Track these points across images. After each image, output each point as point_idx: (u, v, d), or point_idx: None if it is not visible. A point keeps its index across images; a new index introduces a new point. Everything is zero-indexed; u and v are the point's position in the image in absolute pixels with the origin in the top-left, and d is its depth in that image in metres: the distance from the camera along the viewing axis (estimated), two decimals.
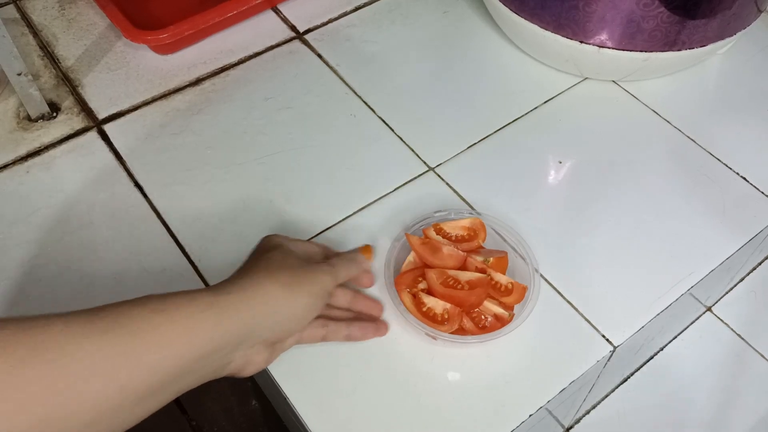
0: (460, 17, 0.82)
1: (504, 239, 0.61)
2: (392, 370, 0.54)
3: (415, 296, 0.55)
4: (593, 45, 0.69)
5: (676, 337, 0.80)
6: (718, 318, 0.82)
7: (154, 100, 0.72)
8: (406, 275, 0.57)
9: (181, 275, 0.59)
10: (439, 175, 0.67)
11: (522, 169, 0.68)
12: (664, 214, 0.65)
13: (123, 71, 0.75)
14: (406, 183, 0.66)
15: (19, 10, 0.81)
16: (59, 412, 0.35)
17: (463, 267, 0.57)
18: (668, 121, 0.73)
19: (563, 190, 0.67)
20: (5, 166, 0.67)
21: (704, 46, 0.69)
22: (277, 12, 0.82)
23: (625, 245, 0.63)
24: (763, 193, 0.68)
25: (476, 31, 0.81)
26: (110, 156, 0.68)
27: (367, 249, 0.59)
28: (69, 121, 0.70)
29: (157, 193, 0.65)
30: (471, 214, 0.61)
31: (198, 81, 0.74)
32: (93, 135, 0.69)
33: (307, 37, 0.79)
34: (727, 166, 0.69)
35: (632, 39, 0.67)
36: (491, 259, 0.57)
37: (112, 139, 0.69)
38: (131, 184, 0.65)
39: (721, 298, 0.83)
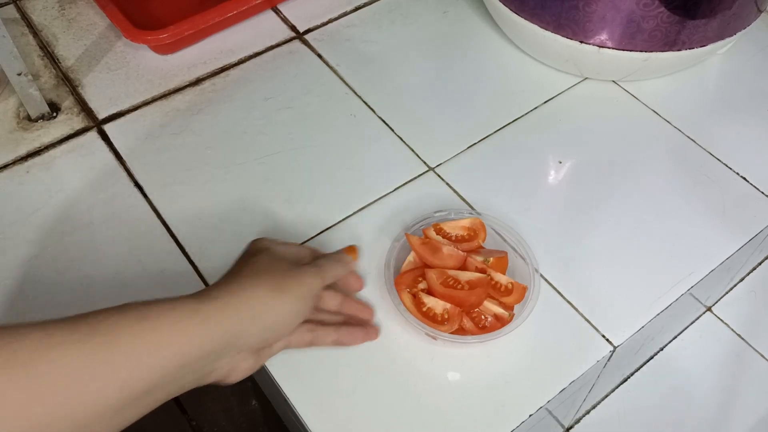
0: (460, 17, 0.82)
1: (504, 239, 0.61)
2: (392, 370, 0.54)
3: (415, 296, 0.55)
4: (593, 45, 0.69)
5: (676, 337, 0.80)
6: (718, 318, 0.82)
7: (154, 100, 0.72)
8: (406, 275, 0.57)
9: (181, 275, 0.59)
10: (439, 175, 0.67)
11: (522, 169, 0.68)
12: (664, 214, 0.65)
13: (123, 71, 0.75)
14: (406, 183, 0.66)
15: (19, 10, 0.81)
16: (34, 424, 0.35)
17: (463, 267, 0.57)
18: (668, 121, 0.73)
19: (563, 190, 0.67)
20: (5, 166, 0.67)
21: (704, 46, 0.69)
22: (277, 12, 0.82)
23: (625, 245, 0.63)
24: (763, 193, 0.68)
25: (476, 31, 0.81)
26: (110, 156, 0.68)
27: (351, 249, 0.57)
28: (69, 121, 0.70)
29: (157, 193, 0.65)
30: (471, 214, 0.61)
31: (198, 81, 0.74)
32: (93, 135, 0.69)
33: (307, 37, 0.79)
34: (727, 166, 0.69)
35: (632, 39, 0.67)
36: (491, 259, 0.57)
37: (112, 139, 0.69)
38: (131, 184, 0.65)
39: (721, 298, 0.83)
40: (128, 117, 0.71)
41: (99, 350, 0.38)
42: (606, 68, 0.72)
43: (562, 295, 0.59)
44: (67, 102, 0.72)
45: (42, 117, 0.70)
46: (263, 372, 0.54)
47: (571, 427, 0.74)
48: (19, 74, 0.65)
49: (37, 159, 0.67)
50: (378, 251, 0.60)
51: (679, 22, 0.66)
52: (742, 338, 0.81)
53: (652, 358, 0.78)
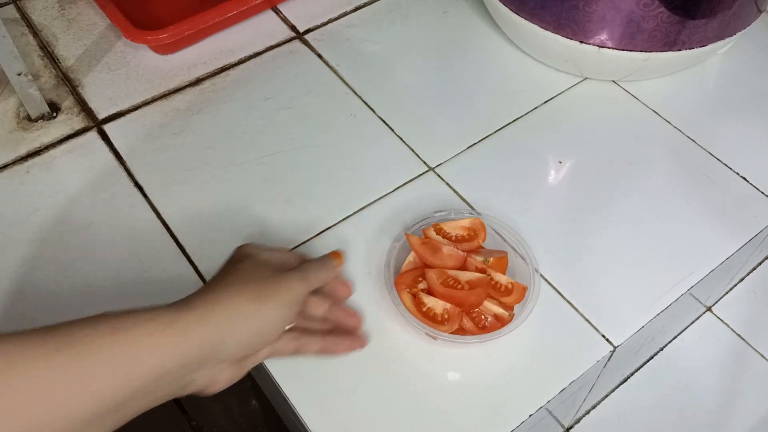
0: (460, 17, 0.82)
1: (504, 239, 0.61)
2: (392, 370, 0.54)
3: (415, 296, 0.55)
4: (593, 45, 0.69)
5: (676, 337, 0.80)
6: (718, 318, 0.82)
7: (154, 100, 0.72)
8: (406, 275, 0.57)
9: (181, 275, 0.59)
10: (439, 175, 0.67)
11: (522, 169, 0.68)
12: (664, 214, 0.65)
13: (123, 71, 0.75)
14: (406, 183, 0.66)
15: (19, 10, 0.81)
16: None
17: (463, 267, 0.57)
18: (668, 121, 0.73)
19: (563, 190, 0.67)
20: (5, 166, 0.67)
21: (704, 46, 0.69)
22: (277, 12, 0.82)
23: (625, 245, 0.63)
24: (763, 193, 0.68)
25: (476, 31, 0.81)
26: (110, 156, 0.68)
27: (336, 254, 0.56)
28: (69, 121, 0.70)
29: (157, 193, 0.65)
30: (471, 214, 0.61)
31: (198, 81, 0.74)
32: (93, 135, 0.69)
33: (307, 37, 0.79)
34: (727, 166, 0.69)
35: (632, 39, 0.67)
36: (491, 259, 0.57)
37: (112, 139, 0.69)
38: (131, 184, 0.65)
39: (721, 298, 0.83)
40: (128, 117, 0.71)
41: (69, 363, 0.37)
42: (606, 68, 0.72)
43: (562, 295, 0.59)
44: (67, 102, 0.72)
45: (42, 117, 0.70)
46: (263, 372, 0.54)
47: (571, 427, 0.74)
48: (19, 74, 0.65)
49: (37, 159, 0.67)
50: (378, 251, 0.60)
51: (679, 22, 0.66)
52: (742, 338, 0.81)
53: (652, 358, 0.78)
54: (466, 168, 0.68)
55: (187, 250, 0.61)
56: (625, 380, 0.77)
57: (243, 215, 0.63)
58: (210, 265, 0.60)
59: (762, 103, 0.75)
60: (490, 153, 0.69)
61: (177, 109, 0.72)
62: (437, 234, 0.59)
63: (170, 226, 0.62)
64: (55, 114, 0.71)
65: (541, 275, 0.60)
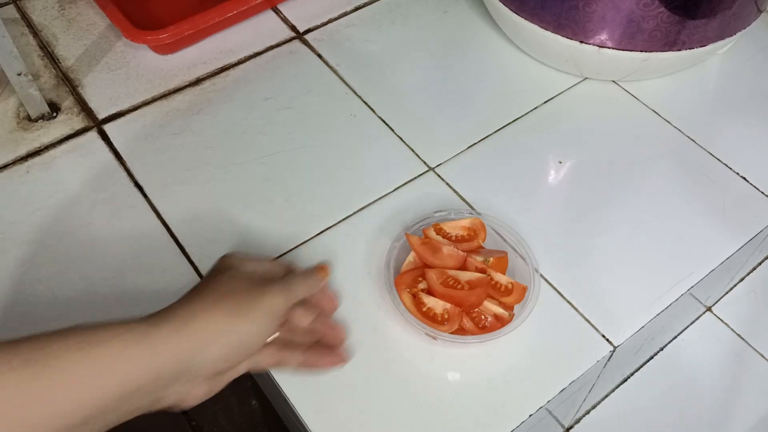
0: (460, 17, 0.82)
1: (504, 239, 0.61)
2: (392, 370, 0.54)
3: (415, 296, 0.55)
4: (593, 45, 0.69)
5: (676, 337, 0.80)
6: (718, 318, 0.82)
7: (154, 100, 0.72)
8: (406, 275, 0.57)
9: (181, 275, 0.59)
10: (439, 175, 0.67)
11: (522, 169, 0.68)
12: (664, 214, 0.65)
13: (123, 71, 0.75)
14: (406, 183, 0.66)
15: (19, 10, 0.81)
16: None
17: (463, 267, 0.57)
18: (668, 121, 0.73)
19: (563, 190, 0.67)
20: (5, 166, 0.67)
21: (704, 46, 0.69)
22: (277, 12, 0.82)
23: (625, 245, 0.63)
24: (763, 193, 0.68)
25: (476, 31, 0.81)
26: (110, 156, 0.68)
27: (322, 268, 0.54)
28: (69, 121, 0.70)
29: (157, 193, 0.65)
30: (471, 214, 0.61)
31: (198, 81, 0.74)
32: (93, 135, 0.69)
33: (307, 37, 0.79)
34: (727, 166, 0.69)
35: (632, 39, 0.67)
36: (491, 259, 0.57)
37: (112, 139, 0.69)
38: (131, 184, 0.65)
39: (721, 298, 0.83)
40: (128, 117, 0.71)
41: (36, 378, 0.36)
42: (606, 68, 0.72)
43: (562, 295, 0.59)
44: (67, 102, 0.72)
45: (42, 117, 0.70)
46: (263, 372, 0.54)
47: (571, 427, 0.74)
48: (19, 74, 0.65)
49: (37, 159, 0.67)
50: (378, 251, 0.60)
51: (679, 22, 0.66)
52: (742, 338, 0.81)
53: (652, 358, 0.78)
54: (466, 168, 0.68)
55: (187, 250, 0.61)
56: (625, 380, 0.77)
57: (243, 215, 0.63)
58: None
59: (762, 103, 0.75)
60: (490, 153, 0.69)
61: (177, 109, 0.72)
62: (437, 234, 0.59)
63: (170, 226, 0.62)
64: (55, 114, 0.71)
65: (541, 275, 0.60)
